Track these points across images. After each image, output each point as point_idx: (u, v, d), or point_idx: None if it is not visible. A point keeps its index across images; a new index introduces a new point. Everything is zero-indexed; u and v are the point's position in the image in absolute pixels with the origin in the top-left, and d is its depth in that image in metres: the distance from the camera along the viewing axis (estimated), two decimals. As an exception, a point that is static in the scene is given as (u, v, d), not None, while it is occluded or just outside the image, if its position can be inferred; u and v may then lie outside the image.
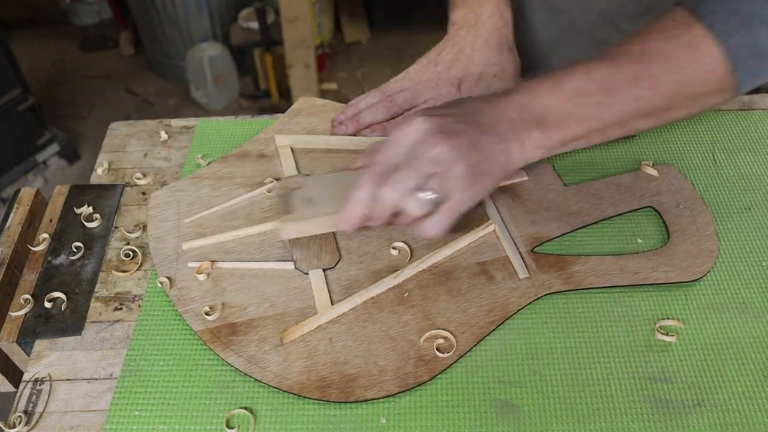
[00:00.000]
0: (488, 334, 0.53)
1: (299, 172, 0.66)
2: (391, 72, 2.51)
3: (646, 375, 0.51)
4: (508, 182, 0.64)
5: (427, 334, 0.53)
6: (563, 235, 0.60)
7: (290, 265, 0.57)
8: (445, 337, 0.53)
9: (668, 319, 0.55)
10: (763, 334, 0.54)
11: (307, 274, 0.57)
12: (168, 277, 0.57)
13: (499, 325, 0.53)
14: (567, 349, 0.53)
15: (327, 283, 0.56)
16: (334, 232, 0.60)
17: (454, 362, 0.51)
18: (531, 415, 0.49)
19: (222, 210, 0.62)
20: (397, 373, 0.50)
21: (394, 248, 0.59)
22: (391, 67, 2.51)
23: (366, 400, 0.49)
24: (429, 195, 0.49)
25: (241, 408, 0.50)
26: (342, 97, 2.34)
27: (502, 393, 0.50)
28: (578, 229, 0.61)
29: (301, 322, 0.53)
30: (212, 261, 0.58)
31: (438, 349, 0.52)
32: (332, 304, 0.55)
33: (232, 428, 0.49)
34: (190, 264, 0.58)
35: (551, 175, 0.66)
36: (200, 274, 0.57)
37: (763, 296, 0.56)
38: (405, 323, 0.54)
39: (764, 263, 0.59)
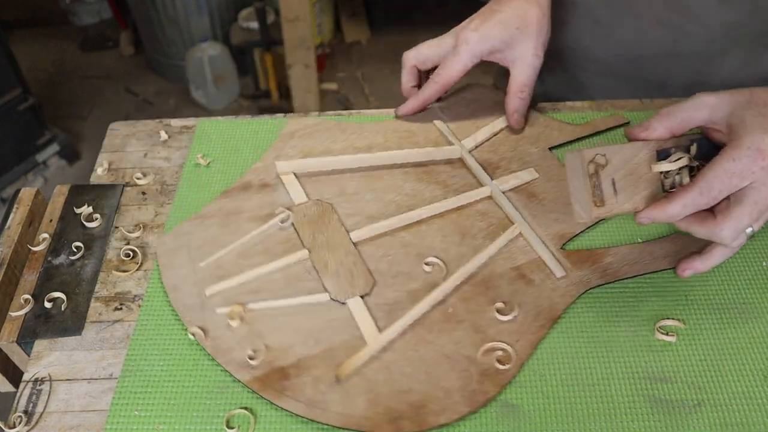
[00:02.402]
0: (542, 339, 0.53)
1: (308, 198, 0.63)
2: (391, 72, 2.51)
3: (646, 375, 0.51)
4: (521, 183, 0.64)
5: (484, 348, 0.52)
6: (587, 229, 0.61)
7: (325, 297, 0.55)
8: (502, 349, 0.52)
9: (668, 319, 0.55)
10: (763, 334, 0.54)
11: (344, 303, 0.54)
12: (200, 327, 0.53)
13: (550, 328, 0.53)
14: (567, 349, 0.53)
15: (368, 310, 0.54)
16: (360, 255, 0.58)
17: (517, 372, 0.51)
18: (531, 415, 0.49)
19: (237, 248, 0.59)
20: (463, 392, 0.49)
21: (426, 264, 0.57)
22: (391, 67, 2.51)
23: (441, 426, 0.48)
24: (750, 231, 0.47)
25: (241, 408, 0.50)
26: (342, 97, 2.34)
27: (502, 393, 0.50)
28: (601, 221, 0.61)
29: (354, 355, 0.51)
30: (242, 304, 0.54)
31: (499, 362, 0.51)
32: (379, 331, 0.52)
33: (233, 428, 0.49)
34: (219, 310, 0.54)
35: (560, 169, 0.66)
36: (233, 319, 0.53)
37: (763, 296, 0.56)
38: (457, 340, 0.52)
39: (764, 263, 0.59)
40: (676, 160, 0.51)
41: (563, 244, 0.59)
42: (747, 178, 0.45)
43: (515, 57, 0.67)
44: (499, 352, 0.51)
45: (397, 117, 0.72)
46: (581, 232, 0.60)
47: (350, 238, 0.59)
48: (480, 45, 0.66)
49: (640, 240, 0.60)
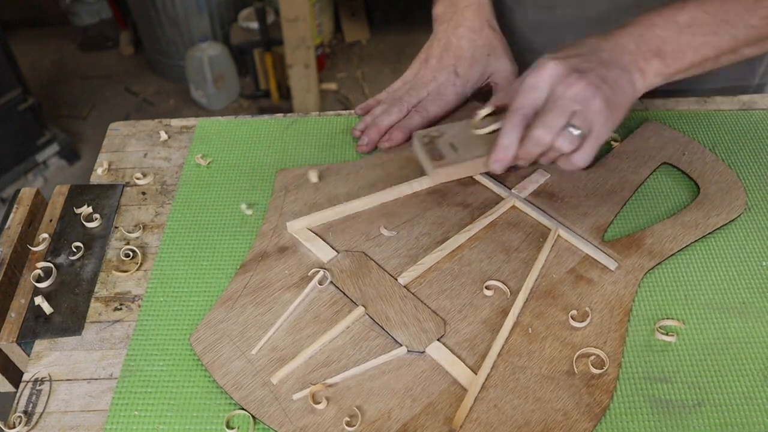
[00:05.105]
0: (626, 334, 0.53)
1: (336, 251, 0.59)
2: (391, 72, 2.50)
3: (646, 375, 0.51)
4: (537, 186, 0.64)
5: (576, 356, 0.51)
6: (616, 216, 0.62)
7: (402, 350, 0.52)
8: (594, 354, 0.51)
9: (668, 319, 0.55)
10: (763, 334, 0.54)
11: (423, 352, 0.52)
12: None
13: (628, 321, 0.54)
14: (567, 349, 0.53)
15: (452, 352, 0.52)
16: (418, 298, 0.56)
17: (618, 373, 0.51)
18: (531, 415, 0.49)
19: (285, 324, 0.54)
20: (579, 408, 0.48)
21: (487, 288, 0.56)
22: (391, 66, 2.51)
23: None
24: (576, 131, 0.52)
25: (241, 408, 0.50)
26: (342, 97, 2.34)
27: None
28: (624, 205, 0.63)
29: (459, 403, 0.49)
30: (320, 383, 0.50)
31: (594, 366, 0.51)
32: (473, 371, 0.51)
33: (233, 429, 0.49)
34: (297, 396, 0.50)
35: None
36: (318, 403, 0.49)
37: (763, 296, 0.56)
38: (550, 358, 0.51)
39: (764, 263, 0.59)
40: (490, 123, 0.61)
41: (602, 236, 0.60)
42: (541, 87, 0.53)
43: (497, 77, 0.72)
44: (592, 358, 0.51)
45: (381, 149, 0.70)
46: (614, 219, 0.62)
47: (400, 283, 0.57)
48: (464, 88, 0.71)
49: (666, 217, 0.62)
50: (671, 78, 0.56)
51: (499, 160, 0.56)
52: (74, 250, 0.62)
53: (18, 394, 0.52)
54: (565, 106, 0.52)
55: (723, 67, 0.57)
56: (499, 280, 0.57)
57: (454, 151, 0.63)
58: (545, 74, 0.53)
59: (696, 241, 0.59)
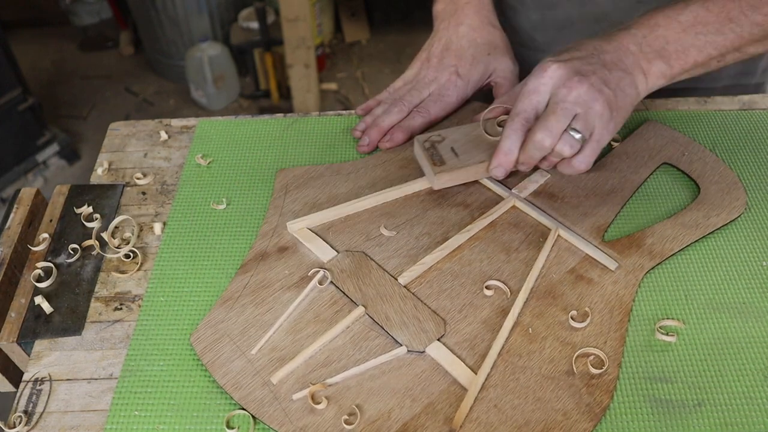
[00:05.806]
0: (627, 335, 0.53)
1: (336, 251, 0.59)
2: (391, 72, 2.50)
3: (646, 375, 0.51)
4: (537, 186, 0.64)
5: (575, 356, 0.51)
6: (616, 216, 0.62)
7: (402, 350, 0.52)
8: (593, 354, 0.51)
9: (668, 319, 0.55)
10: (763, 334, 0.54)
11: (423, 352, 0.52)
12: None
13: (628, 321, 0.54)
14: (567, 349, 0.53)
15: (452, 352, 0.52)
16: (418, 298, 0.56)
17: (618, 373, 0.51)
18: (531, 415, 0.49)
19: (285, 324, 0.54)
20: (579, 408, 0.48)
21: (487, 288, 0.56)
22: (391, 66, 2.51)
23: None
24: (577, 134, 0.53)
25: (241, 408, 0.50)
26: (342, 97, 2.34)
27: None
28: (624, 205, 0.63)
29: (459, 403, 0.49)
30: (319, 382, 0.50)
31: (594, 367, 0.51)
32: (473, 371, 0.51)
33: (233, 428, 0.49)
34: (296, 396, 0.49)
35: None
36: (318, 403, 0.49)
37: (763, 296, 0.56)
38: (550, 358, 0.51)
39: (764, 263, 0.59)
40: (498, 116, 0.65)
41: (602, 236, 0.60)
42: (542, 91, 0.54)
43: (498, 77, 0.72)
44: (591, 357, 0.51)
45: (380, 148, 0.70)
46: (614, 219, 0.62)
47: (400, 283, 0.57)
48: (465, 89, 0.71)
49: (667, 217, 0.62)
50: (675, 78, 0.56)
51: (501, 165, 0.57)
52: (73, 250, 0.62)
53: (18, 394, 0.52)
54: (567, 110, 0.52)
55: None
56: (499, 280, 0.57)
57: (456, 156, 0.63)
58: (547, 77, 0.53)
59: (696, 241, 0.59)
